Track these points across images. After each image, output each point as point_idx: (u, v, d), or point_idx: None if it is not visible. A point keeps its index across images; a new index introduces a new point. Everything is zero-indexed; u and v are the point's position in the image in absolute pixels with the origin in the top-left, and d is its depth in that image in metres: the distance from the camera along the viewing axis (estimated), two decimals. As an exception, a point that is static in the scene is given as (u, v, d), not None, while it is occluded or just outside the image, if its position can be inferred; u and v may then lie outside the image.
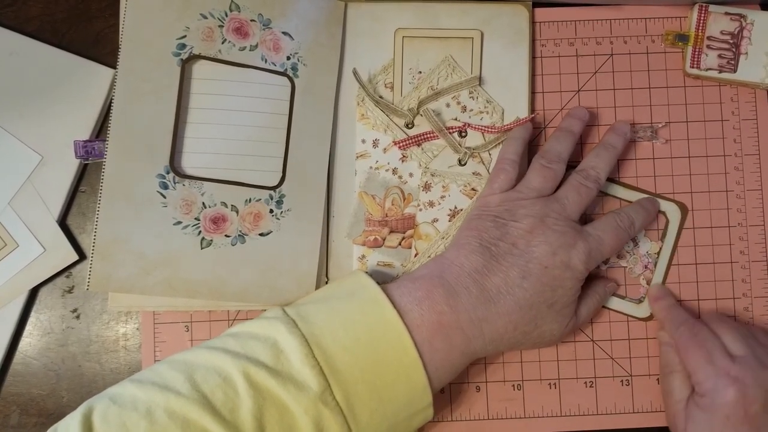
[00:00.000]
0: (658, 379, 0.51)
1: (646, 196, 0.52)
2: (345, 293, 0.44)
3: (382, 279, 0.51)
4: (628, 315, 0.51)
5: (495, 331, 0.44)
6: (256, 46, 0.49)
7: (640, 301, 0.51)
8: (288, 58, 0.50)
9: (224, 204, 0.48)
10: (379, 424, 0.42)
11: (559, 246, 0.45)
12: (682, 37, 0.52)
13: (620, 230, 0.48)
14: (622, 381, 0.51)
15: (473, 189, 0.51)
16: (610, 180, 0.52)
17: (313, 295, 0.46)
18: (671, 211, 0.52)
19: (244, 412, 0.39)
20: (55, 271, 0.51)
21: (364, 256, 0.51)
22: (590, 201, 0.48)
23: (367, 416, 0.41)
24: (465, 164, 0.51)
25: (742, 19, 0.51)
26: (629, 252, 0.52)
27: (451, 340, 0.43)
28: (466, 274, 0.44)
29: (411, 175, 0.51)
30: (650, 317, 0.51)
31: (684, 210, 0.52)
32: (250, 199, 0.48)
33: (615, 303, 0.51)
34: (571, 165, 0.49)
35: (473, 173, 0.51)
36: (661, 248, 0.52)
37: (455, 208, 0.51)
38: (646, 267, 0.52)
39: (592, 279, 0.50)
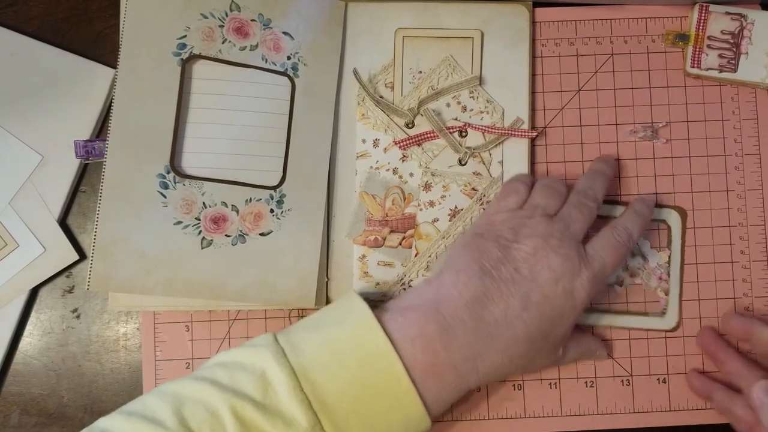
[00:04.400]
0: (658, 379, 0.51)
1: (639, 197, 0.51)
2: (337, 319, 0.43)
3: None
4: (654, 330, 0.51)
5: (490, 366, 0.42)
6: (257, 45, 0.49)
7: (663, 313, 0.51)
8: (288, 58, 0.50)
9: (225, 204, 0.48)
10: None
11: (563, 273, 0.43)
12: (683, 37, 0.52)
13: (620, 245, 0.46)
14: (622, 381, 0.51)
15: (473, 189, 0.51)
16: (611, 201, 0.51)
17: (306, 320, 0.44)
18: (671, 218, 0.51)
19: None
20: (56, 271, 0.51)
21: (364, 256, 0.51)
22: (592, 221, 0.46)
23: None
24: (465, 164, 0.51)
25: (742, 19, 0.51)
26: (641, 269, 0.51)
27: (444, 379, 0.42)
28: (463, 305, 0.42)
29: (411, 174, 0.51)
30: (676, 327, 0.51)
31: (683, 213, 0.52)
32: (250, 199, 0.48)
33: (638, 321, 0.51)
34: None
35: (474, 173, 0.51)
36: (670, 256, 0.51)
37: (456, 207, 0.51)
38: (660, 278, 0.51)
39: (588, 334, 0.50)
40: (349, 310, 0.43)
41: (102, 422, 0.40)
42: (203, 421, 0.39)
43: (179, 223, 0.47)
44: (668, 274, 0.51)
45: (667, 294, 0.51)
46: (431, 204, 0.51)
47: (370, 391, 0.40)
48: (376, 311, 0.43)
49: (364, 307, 0.42)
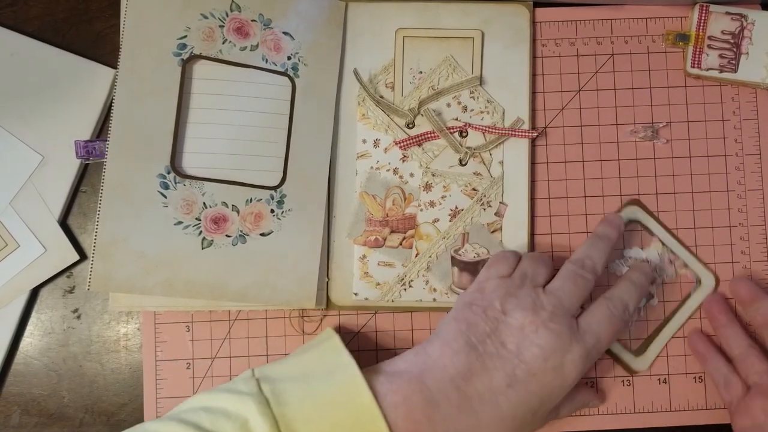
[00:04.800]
0: (658, 379, 0.51)
1: (634, 264, 0.50)
2: (324, 371, 0.42)
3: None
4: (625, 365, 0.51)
5: None
6: (257, 46, 0.49)
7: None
8: (289, 58, 0.49)
9: (225, 204, 0.48)
10: None
11: (552, 351, 0.41)
12: (683, 37, 0.52)
13: (614, 318, 0.44)
14: (622, 381, 0.51)
15: (474, 189, 0.51)
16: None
17: (289, 365, 0.43)
18: (705, 278, 0.51)
19: None
20: (56, 271, 0.51)
21: (364, 256, 0.51)
22: (587, 294, 0.45)
23: None
24: (466, 164, 0.51)
25: (742, 19, 0.51)
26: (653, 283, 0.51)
27: None
28: (448, 379, 0.41)
29: (412, 175, 0.51)
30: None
31: (641, 205, 0.51)
32: (250, 199, 0.48)
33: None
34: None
35: (474, 173, 0.51)
36: (659, 240, 0.51)
37: (456, 208, 0.51)
38: (671, 261, 0.51)
39: (580, 388, 0.49)
40: (336, 364, 0.42)
41: None
42: None
43: (179, 223, 0.47)
44: (673, 252, 0.51)
45: (687, 266, 0.51)
46: (432, 204, 0.51)
47: None
48: (365, 372, 0.41)
49: (352, 364, 0.41)
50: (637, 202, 0.51)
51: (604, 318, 0.44)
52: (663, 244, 0.51)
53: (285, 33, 0.50)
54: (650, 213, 0.51)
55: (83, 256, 0.52)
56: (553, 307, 0.43)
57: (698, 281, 0.51)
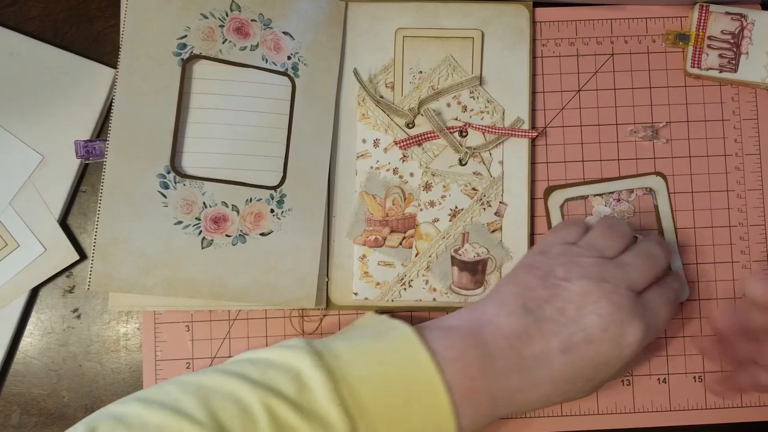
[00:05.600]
0: (658, 379, 0.51)
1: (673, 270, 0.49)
2: (372, 332, 0.42)
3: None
4: None
5: (525, 400, 0.41)
6: (257, 45, 0.49)
7: None
8: (289, 58, 0.50)
9: (225, 204, 0.48)
10: None
11: (612, 321, 0.40)
12: (683, 37, 0.52)
13: (671, 303, 0.44)
14: (622, 381, 0.51)
15: (474, 189, 0.51)
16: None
17: (336, 334, 0.44)
18: (656, 185, 0.51)
19: None
20: (56, 271, 0.51)
21: (364, 256, 0.51)
22: (656, 275, 0.44)
23: None
24: (466, 164, 0.51)
25: (742, 19, 0.51)
26: None
27: (480, 405, 0.40)
28: (503, 337, 0.41)
29: (412, 174, 0.51)
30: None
31: (664, 178, 0.51)
32: (250, 199, 0.48)
33: None
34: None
35: (474, 173, 0.51)
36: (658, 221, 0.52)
37: (456, 207, 0.51)
38: None
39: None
40: (386, 326, 0.42)
41: (114, 408, 0.38)
42: (233, 415, 0.36)
43: (179, 223, 0.47)
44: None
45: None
46: (431, 204, 0.51)
47: (407, 403, 0.39)
48: (417, 328, 0.41)
49: (404, 324, 0.41)
50: (662, 176, 0.51)
51: (664, 300, 0.43)
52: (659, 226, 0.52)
53: (285, 33, 0.50)
54: (669, 194, 0.51)
55: (83, 255, 0.52)
56: (617, 281, 0.42)
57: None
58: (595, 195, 0.51)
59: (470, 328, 0.41)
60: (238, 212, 0.48)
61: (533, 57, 0.52)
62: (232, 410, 0.37)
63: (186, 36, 0.47)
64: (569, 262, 0.43)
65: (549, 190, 0.51)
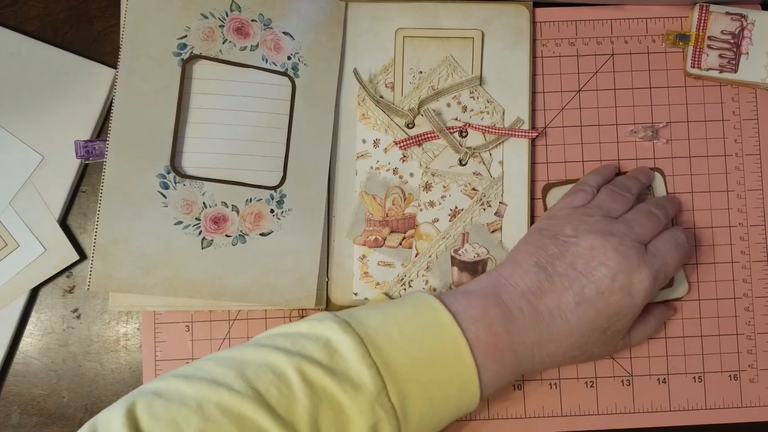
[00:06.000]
0: (658, 379, 0.51)
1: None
2: (394, 302, 0.44)
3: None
4: (666, 300, 0.50)
5: (545, 354, 0.43)
6: (257, 46, 0.49)
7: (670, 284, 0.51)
8: (289, 58, 0.50)
9: (225, 204, 0.48)
10: (425, 428, 0.41)
11: (620, 270, 0.43)
12: (683, 37, 0.52)
13: (680, 247, 0.46)
14: (622, 381, 0.51)
15: (474, 189, 0.51)
16: None
17: (359, 306, 0.45)
18: (654, 180, 0.52)
19: (300, 410, 0.38)
20: (56, 271, 0.51)
21: (364, 256, 0.51)
22: (658, 231, 0.46)
23: (417, 420, 0.40)
24: (466, 164, 0.51)
25: (742, 19, 0.51)
26: None
27: (504, 361, 0.42)
28: (520, 294, 0.43)
29: (412, 174, 0.51)
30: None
31: (662, 174, 0.52)
32: (250, 199, 0.48)
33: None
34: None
35: (474, 173, 0.51)
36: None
37: (456, 207, 0.51)
38: None
39: (655, 310, 0.49)
40: (407, 296, 0.45)
41: (152, 384, 0.39)
42: (270, 382, 0.38)
43: (179, 223, 0.47)
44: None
45: None
46: (431, 204, 0.51)
47: (433, 363, 0.41)
48: (438, 294, 0.44)
49: (424, 292, 0.44)
50: (661, 172, 0.52)
51: (670, 245, 0.45)
52: None
53: (285, 33, 0.50)
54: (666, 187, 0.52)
55: (83, 256, 0.52)
56: (623, 234, 0.44)
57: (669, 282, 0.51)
58: None
59: (490, 290, 0.44)
60: (238, 212, 0.48)
61: (533, 57, 0.52)
62: (267, 378, 0.38)
63: (186, 36, 0.47)
64: (577, 221, 0.45)
65: (548, 187, 0.51)
